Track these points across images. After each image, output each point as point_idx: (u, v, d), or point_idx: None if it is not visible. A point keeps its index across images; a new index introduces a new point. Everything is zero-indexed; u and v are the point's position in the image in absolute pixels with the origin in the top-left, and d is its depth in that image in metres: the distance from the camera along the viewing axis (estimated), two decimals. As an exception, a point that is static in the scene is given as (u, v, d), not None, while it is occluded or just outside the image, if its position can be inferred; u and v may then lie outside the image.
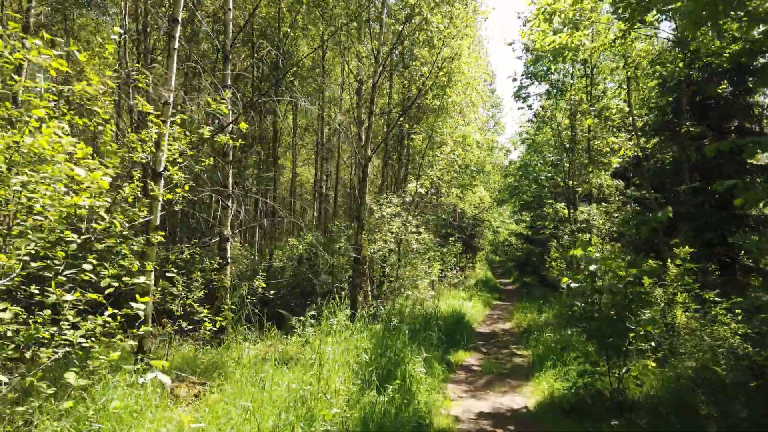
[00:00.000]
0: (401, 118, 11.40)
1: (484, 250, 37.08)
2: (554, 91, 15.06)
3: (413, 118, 14.12)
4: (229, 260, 8.51)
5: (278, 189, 26.55)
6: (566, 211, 15.29)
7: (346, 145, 19.94)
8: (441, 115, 12.45)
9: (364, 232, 11.57)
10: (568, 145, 14.77)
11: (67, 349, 4.10)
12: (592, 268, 6.57)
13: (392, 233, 12.18)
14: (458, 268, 23.46)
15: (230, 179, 8.57)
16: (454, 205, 27.62)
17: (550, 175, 14.85)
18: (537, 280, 25.99)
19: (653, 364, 7.76)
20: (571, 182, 15.24)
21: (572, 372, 7.81)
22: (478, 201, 23.52)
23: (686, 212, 12.04)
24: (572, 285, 7.63)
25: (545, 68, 14.24)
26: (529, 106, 15.69)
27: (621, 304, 6.57)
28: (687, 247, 8.93)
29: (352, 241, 10.03)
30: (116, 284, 4.54)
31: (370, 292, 13.37)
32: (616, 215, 12.58)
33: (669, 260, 10.18)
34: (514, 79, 14.92)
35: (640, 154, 15.16)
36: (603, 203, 12.88)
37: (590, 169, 14.01)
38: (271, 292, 12.67)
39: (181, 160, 6.13)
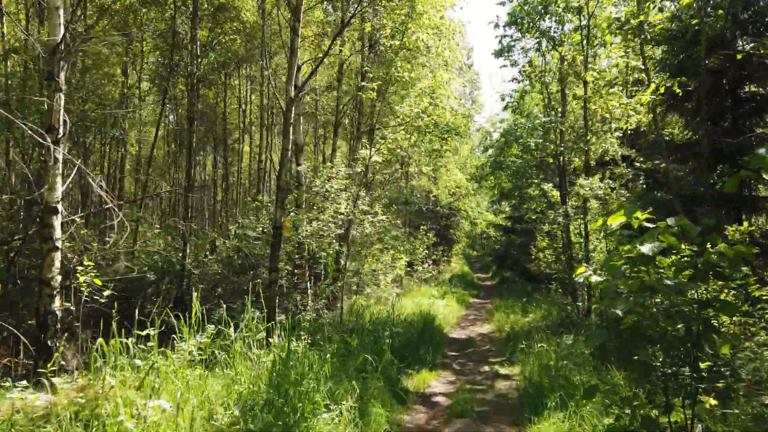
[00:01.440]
0: (337, 38, 8.37)
1: (460, 243, 34.39)
2: (546, 42, 12.23)
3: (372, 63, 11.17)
4: (58, 243, 5.37)
5: (232, 168, 23.25)
6: (556, 193, 12.52)
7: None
8: (402, 53, 9.51)
9: (295, 208, 8.62)
10: (560, 109, 11.98)
11: None
12: (645, 248, 3.64)
13: (338, 213, 9.20)
14: (431, 262, 20.61)
15: (60, 113, 5.46)
16: (428, 192, 24.79)
17: (540, 140, 12.05)
18: (519, 274, 23.32)
19: (714, 402, 4.98)
20: (562, 157, 12.46)
21: (592, 415, 4.95)
22: (453, 185, 20.78)
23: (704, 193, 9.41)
24: (595, 279, 4.74)
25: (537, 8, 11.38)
26: (514, 64, 12.80)
27: (694, 316, 3.70)
28: (745, 224, 6.17)
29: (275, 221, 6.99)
30: None
31: (310, 292, 10.34)
32: (623, 193, 9.82)
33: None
34: (496, 26, 12.04)
35: (659, 109, 12.47)
36: (607, 179, 10.11)
37: (588, 138, 11.22)
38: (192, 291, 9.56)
39: None
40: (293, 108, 7.03)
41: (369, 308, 13.04)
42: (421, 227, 19.37)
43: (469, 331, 13.37)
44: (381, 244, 12.20)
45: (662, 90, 6.48)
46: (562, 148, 12.01)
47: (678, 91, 6.52)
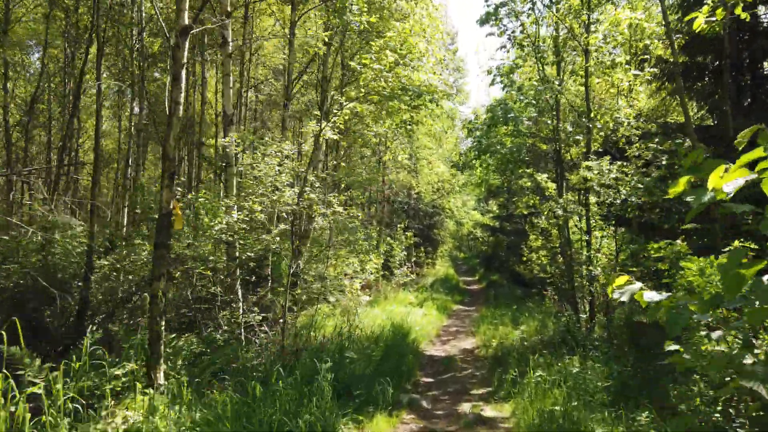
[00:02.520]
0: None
1: (446, 244, 32.35)
2: (540, 3, 10.22)
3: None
4: None
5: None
6: (551, 185, 10.52)
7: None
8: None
9: (224, 194, 6.49)
10: (557, 83, 9.95)
11: None
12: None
13: (280, 203, 7.05)
14: (410, 265, 18.50)
15: None
16: (408, 188, 22.72)
17: (533, 115, 10.01)
18: (508, 278, 21.32)
19: None
20: (558, 141, 10.45)
21: None
22: (436, 180, 18.74)
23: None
24: (651, 298, 2.63)
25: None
26: (502, 33, 10.76)
27: None
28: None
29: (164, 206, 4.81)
30: None
31: (242, 305, 8.19)
32: (636, 180, 7.80)
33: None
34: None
35: (663, 93, 10.61)
36: (618, 162, 8.06)
37: (594, 113, 9.21)
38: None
39: None
40: (185, 46, 4.87)
41: (328, 321, 10.89)
42: (399, 226, 17.30)
43: (450, 346, 11.28)
44: (348, 244, 10.07)
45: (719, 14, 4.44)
46: (560, 129, 9.97)
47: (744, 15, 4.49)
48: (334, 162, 10.65)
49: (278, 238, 7.92)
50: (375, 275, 16.56)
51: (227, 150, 6.77)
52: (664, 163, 7.60)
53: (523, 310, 13.95)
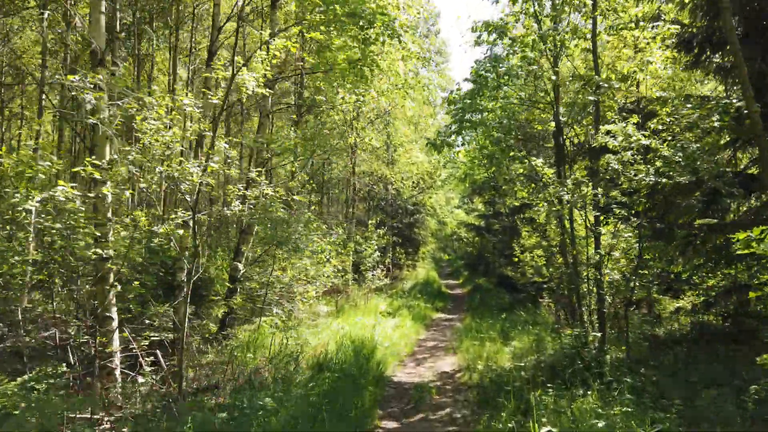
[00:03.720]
0: None
1: (428, 245, 30.16)
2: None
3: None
4: None
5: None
6: (548, 171, 8.41)
7: None
8: None
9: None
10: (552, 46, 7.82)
11: None
12: None
13: (167, 172, 4.74)
14: (384, 267, 16.27)
15: None
16: (384, 181, 20.49)
17: (527, 84, 7.90)
18: (495, 281, 19.21)
19: None
20: (561, 119, 8.35)
21: None
22: (413, 171, 16.53)
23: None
24: None
25: None
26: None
27: None
28: None
29: None
30: None
31: (121, 329, 5.86)
32: (675, 149, 5.64)
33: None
34: None
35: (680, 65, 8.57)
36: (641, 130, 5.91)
37: (607, 74, 7.11)
38: None
39: None
40: None
41: (270, 340, 8.62)
42: (370, 222, 15.06)
43: (425, 368, 9.06)
44: (287, 242, 7.79)
45: None
46: (560, 98, 7.85)
47: None
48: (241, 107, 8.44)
49: (181, 232, 5.58)
50: (342, 280, 14.30)
51: (87, 99, 4.47)
52: (716, 123, 5.45)
53: (514, 321, 11.81)
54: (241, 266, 9.31)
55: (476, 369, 8.46)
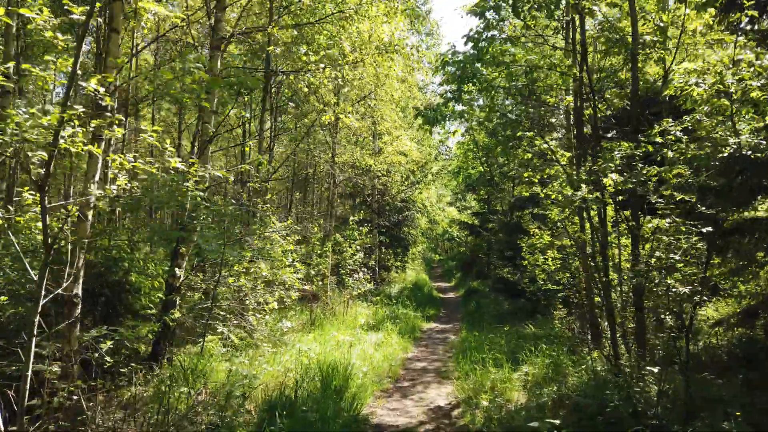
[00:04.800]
0: None
1: (418, 245, 28.23)
2: None
3: None
4: None
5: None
6: (564, 155, 6.55)
7: None
8: None
9: None
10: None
11: None
12: None
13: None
14: (372, 270, 14.34)
15: None
16: (371, 176, 18.53)
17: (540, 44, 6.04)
18: (492, 285, 17.33)
19: None
20: (586, 88, 6.50)
21: None
22: (403, 161, 14.59)
23: None
24: None
25: None
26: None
27: None
28: None
29: None
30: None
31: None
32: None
33: None
34: None
35: None
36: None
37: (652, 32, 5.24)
38: None
39: None
40: None
41: (220, 365, 6.68)
42: (351, 218, 13.12)
43: (413, 401, 7.13)
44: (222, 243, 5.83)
45: None
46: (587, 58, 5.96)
47: None
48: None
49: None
50: (318, 285, 12.34)
51: None
52: None
53: (520, 335, 9.93)
54: (179, 272, 7.31)
55: (479, 404, 6.57)
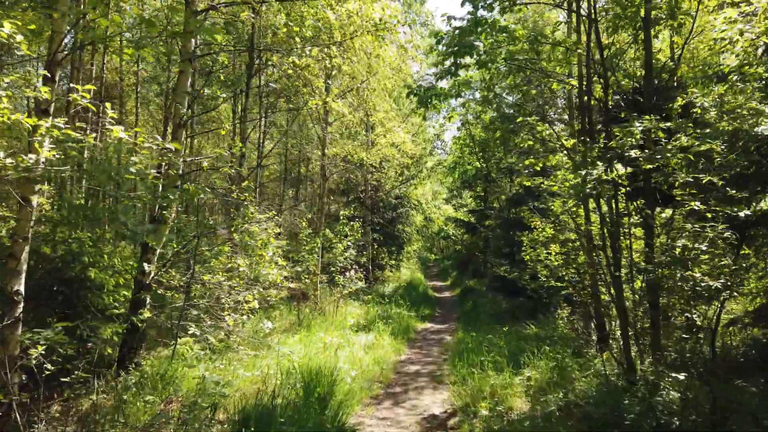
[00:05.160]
0: None
1: (413, 244, 27.60)
2: None
3: None
4: None
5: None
6: (569, 140, 5.95)
7: None
8: None
9: None
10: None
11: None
12: None
13: None
14: (360, 268, 13.72)
15: None
16: (364, 171, 17.92)
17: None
18: (489, 283, 16.73)
19: None
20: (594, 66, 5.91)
21: None
22: (396, 154, 13.93)
23: None
24: None
25: None
26: None
27: None
28: None
29: None
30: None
31: None
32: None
33: None
34: None
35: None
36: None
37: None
38: None
39: None
40: None
41: (192, 371, 6.06)
42: (341, 213, 12.46)
43: (406, 408, 6.50)
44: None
45: None
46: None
47: None
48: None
49: None
50: (307, 283, 11.70)
51: None
52: None
53: (521, 337, 9.33)
54: (149, 267, 6.65)
55: (478, 413, 5.95)
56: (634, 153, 4.19)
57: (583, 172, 4.42)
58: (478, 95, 20.48)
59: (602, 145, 4.86)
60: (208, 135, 17.25)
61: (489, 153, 21.03)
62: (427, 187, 24.48)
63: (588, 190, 5.27)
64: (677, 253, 4.51)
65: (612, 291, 6.35)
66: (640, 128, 4.16)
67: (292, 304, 11.72)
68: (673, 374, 4.42)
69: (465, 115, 20.17)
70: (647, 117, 4.17)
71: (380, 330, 10.14)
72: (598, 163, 4.92)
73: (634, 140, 4.25)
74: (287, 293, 13.04)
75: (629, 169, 4.45)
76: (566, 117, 13.27)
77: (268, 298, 9.08)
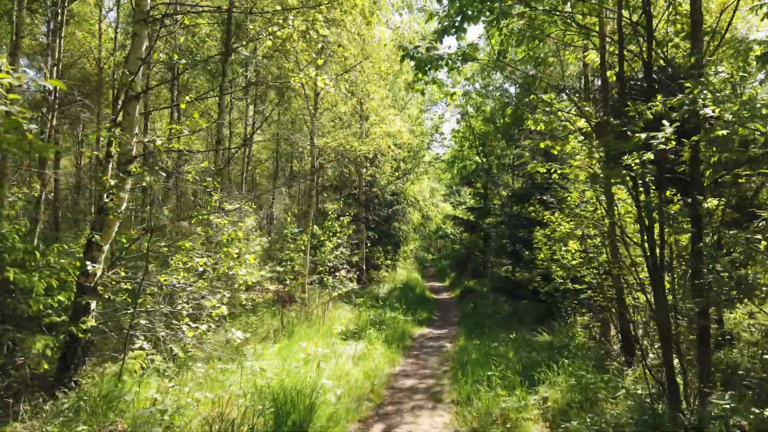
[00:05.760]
0: None
1: (410, 244, 26.50)
2: None
3: None
4: None
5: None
6: (590, 119, 4.97)
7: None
8: None
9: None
10: None
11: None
12: None
13: None
14: (352, 268, 12.66)
15: None
16: (356, 164, 16.86)
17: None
18: (490, 283, 15.66)
19: None
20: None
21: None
22: (391, 144, 12.79)
23: None
24: None
25: None
26: None
27: None
28: None
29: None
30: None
31: None
32: None
33: None
34: None
35: None
36: None
37: None
38: None
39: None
40: None
41: (145, 389, 4.96)
42: (329, 207, 11.40)
43: (401, 436, 5.42)
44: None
45: None
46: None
47: None
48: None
49: None
50: (294, 284, 10.63)
51: None
52: None
53: (529, 345, 8.27)
54: (94, 267, 5.55)
55: (487, 442, 4.88)
56: (709, 111, 3.13)
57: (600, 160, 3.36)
58: (478, 86, 19.47)
59: (644, 115, 3.82)
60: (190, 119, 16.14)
61: (489, 147, 19.99)
62: (424, 184, 23.39)
63: (624, 174, 4.21)
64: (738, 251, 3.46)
65: (648, 295, 5.31)
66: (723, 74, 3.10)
67: (277, 307, 10.65)
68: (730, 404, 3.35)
69: (465, 107, 19.13)
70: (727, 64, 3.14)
71: (372, 338, 9.05)
72: (641, 135, 3.87)
73: (710, 93, 3.19)
74: (272, 296, 11.95)
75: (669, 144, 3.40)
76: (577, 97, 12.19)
77: (246, 303, 7.99)
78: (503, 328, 10.72)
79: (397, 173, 18.92)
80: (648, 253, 4.92)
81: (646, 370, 5.53)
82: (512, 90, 19.19)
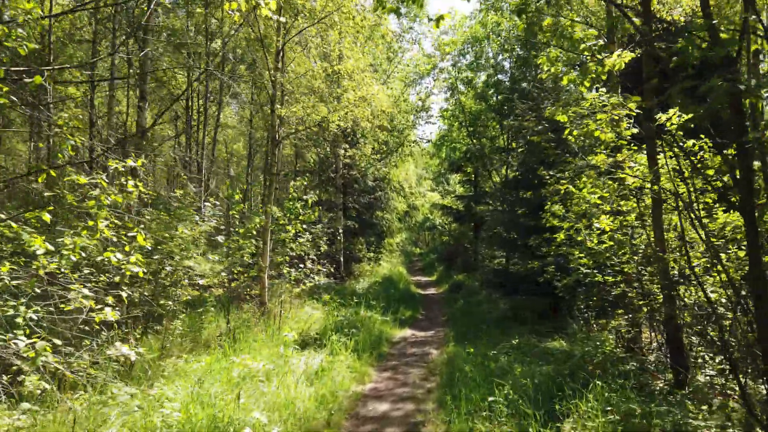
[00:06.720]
0: None
1: (395, 235, 24.57)
2: None
3: None
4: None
5: None
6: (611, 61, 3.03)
7: None
8: None
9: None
10: None
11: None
12: None
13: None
14: (329, 260, 10.74)
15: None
16: (329, 141, 14.95)
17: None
18: (486, 278, 13.79)
19: None
20: None
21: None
22: (368, 116, 10.85)
23: None
24: None
25: None
26: None
27: None
28: None
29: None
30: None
31: None
32: None
33: None
34: None
35: None
36: None
37: None
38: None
39: None
40: None
41: None
42: (291, 184, 9.52)
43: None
44: None
45: None
46: None
47: None
48: None
49: None
50: (243, 278, 8.71)
51: None
52: None
53: (536, 353, 6.44)
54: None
55: None
56: None
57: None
58: (470, 58, 17.61)
59: None
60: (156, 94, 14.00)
61: (481, 127, 18.14)
62: (410, 169, 21.51)
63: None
64: None
65: (729, 291, 3.50)
66: None
67: (232, 305, 8.71)
68: None
69: (454, 81, 17.26)
70: None
71: (339, 345, 7.14)
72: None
73: None
74: (223, 292, 10.00)
75: None
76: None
77: (176, 298, 6.06)
78: (500, 329, 8.91)
79: (378, 155, 16.98)
80: (748, 225, 3.08)
81: (730, 396, 3.72)
82: (507, 64, 17.37)
